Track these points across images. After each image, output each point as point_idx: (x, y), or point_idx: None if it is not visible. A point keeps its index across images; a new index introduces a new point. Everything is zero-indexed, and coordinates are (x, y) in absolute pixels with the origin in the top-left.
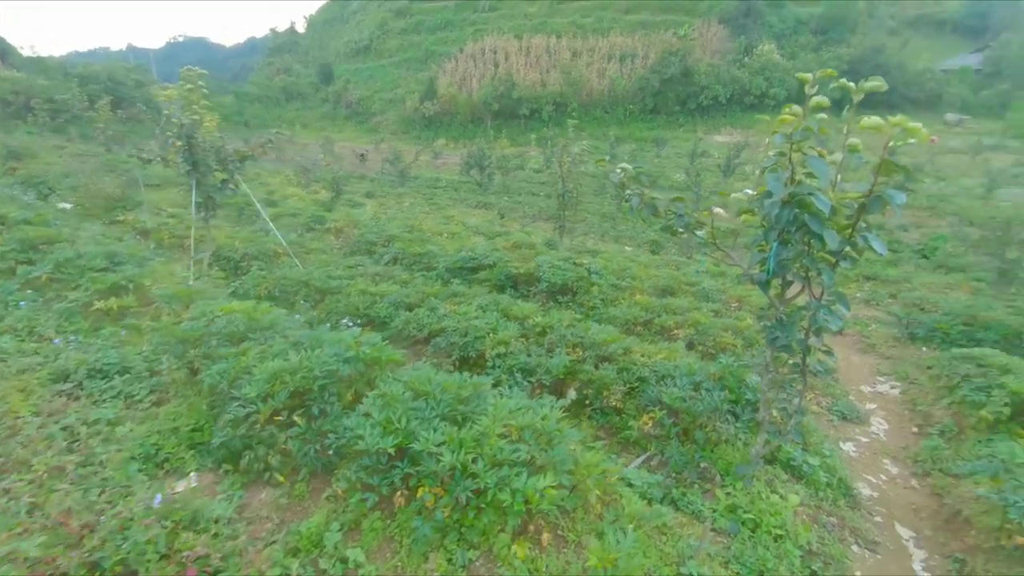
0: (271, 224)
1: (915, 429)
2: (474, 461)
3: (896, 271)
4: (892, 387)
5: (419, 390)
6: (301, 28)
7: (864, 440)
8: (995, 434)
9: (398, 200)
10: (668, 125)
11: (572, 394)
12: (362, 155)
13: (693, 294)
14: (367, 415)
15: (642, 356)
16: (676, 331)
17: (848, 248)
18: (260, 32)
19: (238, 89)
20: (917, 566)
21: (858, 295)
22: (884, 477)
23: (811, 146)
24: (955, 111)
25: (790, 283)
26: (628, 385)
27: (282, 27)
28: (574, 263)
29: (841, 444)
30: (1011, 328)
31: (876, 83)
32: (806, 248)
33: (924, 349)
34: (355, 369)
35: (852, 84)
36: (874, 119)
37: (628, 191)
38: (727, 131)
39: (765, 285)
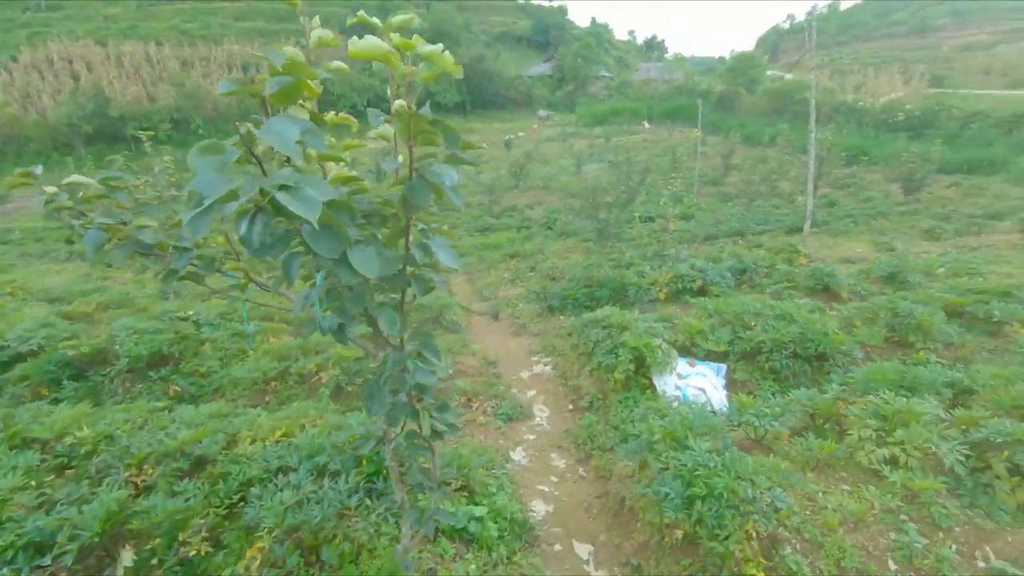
0: None
1: (571, 407)
2: None
3: (531, 245)
4: (545, 365)
5: None
6: None
7: (532, 438)
8: (629, 392)
9: None
10: None
11: (127, 559)
12: None
13: None
14: None
15: (254, 442)
16: (319, 375)
17: (406, 267)
18: None
19: None
20: None
21: (505, 275)
22: (555, 479)
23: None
24: (544, 108)
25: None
26: (226, 506)
27: None
28: (177, 318)
29: (512, 455)
30: (616, 282)
31: (406, 17)
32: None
33: (562, 318)
34: None
35: (378, 21)
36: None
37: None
38: (372, 136)
39: (338, 331)
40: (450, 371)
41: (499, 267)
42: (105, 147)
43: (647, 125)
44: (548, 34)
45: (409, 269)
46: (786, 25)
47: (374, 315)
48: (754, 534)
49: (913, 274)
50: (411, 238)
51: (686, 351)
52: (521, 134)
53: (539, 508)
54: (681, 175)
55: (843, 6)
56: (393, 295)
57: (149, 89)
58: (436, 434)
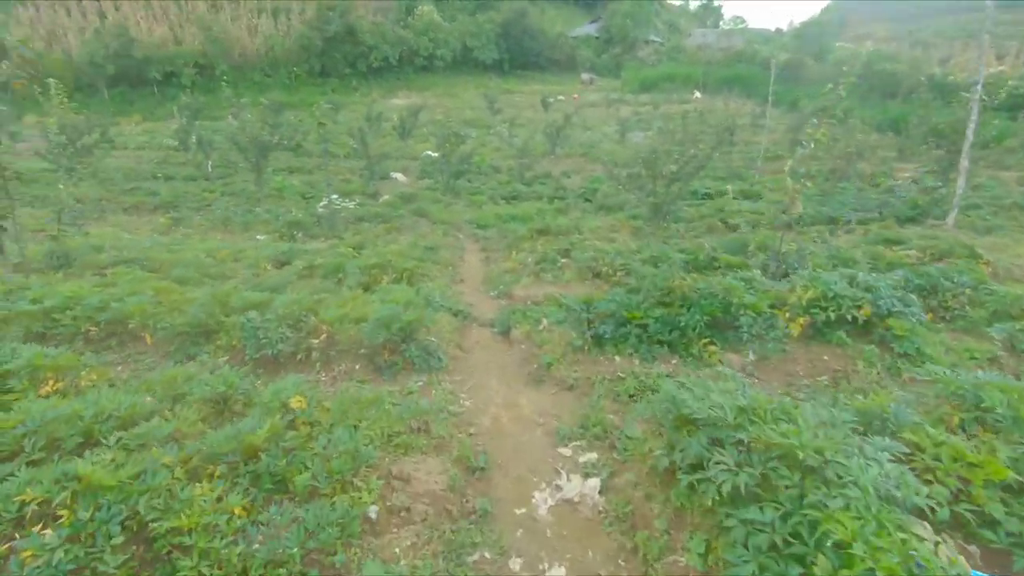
0: None
1: None
2: None
3: (565, 220)
4: (587, 476)
5: None
6: None
7: None
8: None
9: None
10: (342, 89)
11: None
12: None
13: None
14: None
15: None
16: None
17: None
18: None
19: None
20: None
21: (529, 259)
22: None
23: None
24: (587, 71)
25: None
26: None
27: None
28: None
29: None
30: (717, 300)
31: None
32: None
33: (618, 359)
34: None
35: None
36: None
37: None
38: (403, 94)
39: None
40: (372, 510)
41: (523, 246)
42: (128, 89)
43: (698, 94)
44: None
45: None
46: None
47: None
48: None
49: None
50: None
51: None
52: (561, 97)
53: None
54: (738, 149)
55: None
56: None
57: (176, 31)
58: None
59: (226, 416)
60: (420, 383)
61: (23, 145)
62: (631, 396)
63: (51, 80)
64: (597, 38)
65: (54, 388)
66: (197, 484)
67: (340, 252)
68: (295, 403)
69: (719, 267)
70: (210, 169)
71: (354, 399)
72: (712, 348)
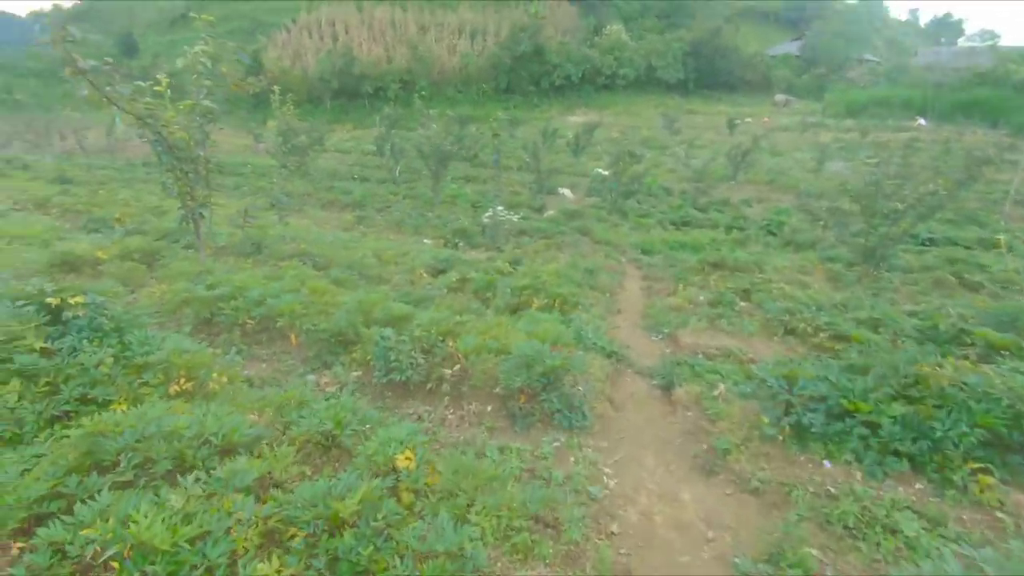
0: None
1: None
2: None
3: (744, 254)
4: None
5: None
6: None
7: None
8: None
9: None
10: (524, 105)
11: None
12: None
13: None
14: None
15: None
16: None
17: None
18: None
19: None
20: None
21: (701, 297)
22: None
23: None
24: (782, 92)
25: None
26: None
27: None
28: None
29: None
30: (999, 404)
31: None
32: None
33: (827, 464)
34: None
35: None
36: None
37: None
38: (581, 111)
39: None
40: None
41: (692, 279)
42: (346, 101)
43: (922, 122)
44: (803, 10)
45: None
46: None
47: None
48: None
49: None
50: None
51: None
52: (749, 119)
53: None
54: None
55: None
56: None
57: (389, 51)
58: None
59: (331, 458)
60: (557, 444)
61: (262, 145)
62: (848, 528)
63: (275, 89)
64: (798, 57)
65: (183, 387)
66: (262, 562)
67: (495, 267)
68: (402, 461)
69: (971, 344)
70: (397, 174)
71: (471, 469)
72: (988, 480)
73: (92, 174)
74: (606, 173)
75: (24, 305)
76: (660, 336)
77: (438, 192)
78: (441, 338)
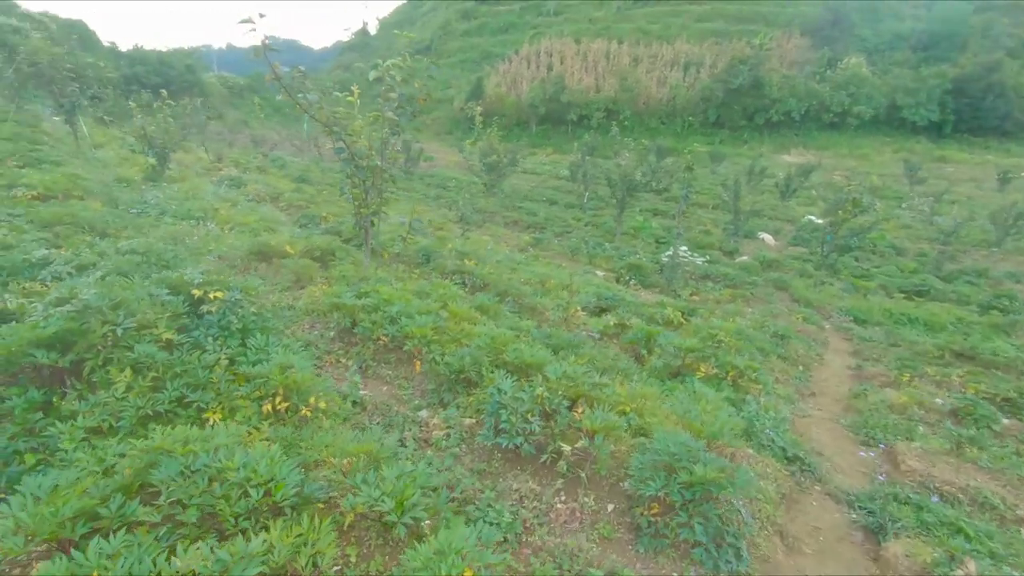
0: None
1: None
2: None
3: (1010, 346)
4: None
5: None
6: (373, 30)
7: None
8: None
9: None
10: (731, 141)
11: None
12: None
13: None
14: None
15: None
16: None
17: None
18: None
19: None
20: None
21: (939, 400)
22: None
23: None
24: None
25: None
26: None
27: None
28: None
29: None
30: None
31: None
32: None
33: None
34: None
35: None
36: None
37: None
38: (798, 151)
39: None
40: None
41: (924, 370)
42: (550, 127)
43: None
44: None
45: None
46: None
47: None
48: None
49: None
50: None
51: None
52: None
53: None
54: None
55: None
56: None
57: (599, 81)
58: None
59: (388, 542)
60: None
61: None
62: None
63: (478, 111)
64: None
65: (277, 406)
66: None
67: (663, 315)
68: None
69: None
70: (586, 200)
71: None
72: None
73: (326, 176)
74: (819, 221)
75: (170, 294)
76: (870, 446)
77: (620, 222)
78: (569, 402)
